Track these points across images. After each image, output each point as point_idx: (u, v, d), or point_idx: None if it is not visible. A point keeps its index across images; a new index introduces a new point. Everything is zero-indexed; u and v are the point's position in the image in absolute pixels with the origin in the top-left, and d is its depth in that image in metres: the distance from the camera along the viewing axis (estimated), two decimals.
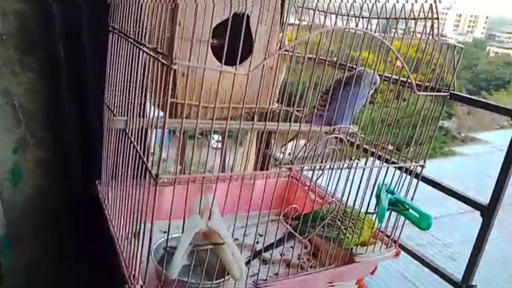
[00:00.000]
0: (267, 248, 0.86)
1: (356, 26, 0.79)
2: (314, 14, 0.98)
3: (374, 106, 0.90)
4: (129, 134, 0.74)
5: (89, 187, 1.02)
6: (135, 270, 0.73)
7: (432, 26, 0.78)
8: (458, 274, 1.03)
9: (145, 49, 0.65)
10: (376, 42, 0.78)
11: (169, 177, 0.63)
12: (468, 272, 0.90)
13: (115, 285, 0.77)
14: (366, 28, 0.81)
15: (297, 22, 1.10)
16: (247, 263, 0.82)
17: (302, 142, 0.83)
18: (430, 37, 0.80)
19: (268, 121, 1.10)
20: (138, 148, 0.68)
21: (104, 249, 0.88)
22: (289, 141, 0.91)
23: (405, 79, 0.85)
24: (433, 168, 0.99)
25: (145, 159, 0.64)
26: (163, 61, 0.56)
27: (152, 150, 0.98)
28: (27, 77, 0.99)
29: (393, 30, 0.81)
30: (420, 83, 0.85)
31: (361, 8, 0.84)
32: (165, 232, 1.01)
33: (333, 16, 0.94)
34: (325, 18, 0.95)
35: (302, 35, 0.73)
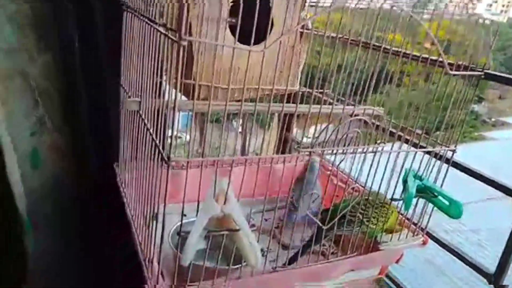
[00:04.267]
0: (303, 250, 0.83)
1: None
2: None
3: (400, 88, 0.85)
4: (143, 115, 0.71)
5: (107, 170, 1.02)
6: (151, 254, 0.71)
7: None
8: (486, 261, 0.97)
9: (155, 26, 0.61)
10: (404, 20, 0.73)
11: (180, 160, 0.60)
12: (502, 264, 0.85)
13: (135, 270, 0.76)
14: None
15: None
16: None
17: (324, 126, 0.79)
18: (464, 13, 0.74)
19: (290, 103, 1.06)
20: (152, 130, 0.66)
21: (125, 233, 0.88)
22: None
23: (435, 58, 0.79)
24: (462, 152, 0.94)
25: (157, 141, 0.62)
26: (172, 37, 0.53)
27: (170, 133, 0.96)
28: (43, 59, 0.98)
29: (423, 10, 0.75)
30: (452, 62, 0.79)
31: None
32: (184, 215, 1.01)
33: None
34: None
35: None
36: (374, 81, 0.79)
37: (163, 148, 0.59)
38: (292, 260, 0.80)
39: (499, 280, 0.90)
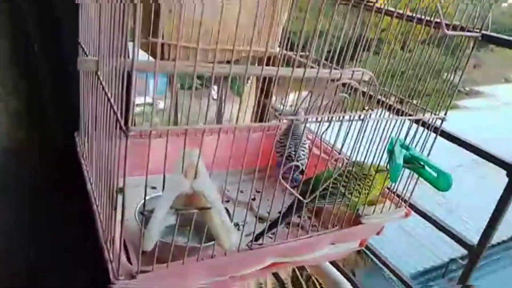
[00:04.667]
0: (274, 223, 0.77)
1: None
2: None
3: (388, 50, 0.78)
4: (101, 77, 0.62)
5: (70, 140, 0.92)
6: (114, 233, 0.64)
7: None
8: (457, 225, 0.96)
9: None
10: None
11: (139, 129, 0.52)
12: (485, 236, 0.82)
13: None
14: None
15: None
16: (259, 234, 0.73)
17: (306, 93, 0.71)
18: None
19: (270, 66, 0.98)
20: (110, 94, 0.57)
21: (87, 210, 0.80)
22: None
23: (429, 18, 0.71)
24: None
25: (115, 108, 0.53)
26: None
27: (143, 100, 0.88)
28: None
29: None
30: (449, 23, 0.71)
31: None
32: (154, 188, 0.93)
33: None
34: None
35: None
36: (364, 43, 0.72)
37: (121, 115, 0.51)
38: (259, 236, 0.74)
39: (480, 252, 0.88)
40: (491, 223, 0.81)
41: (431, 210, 0.98)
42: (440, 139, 0.84)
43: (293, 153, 0.91)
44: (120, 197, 0.57)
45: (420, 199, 1.00)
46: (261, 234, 0.74)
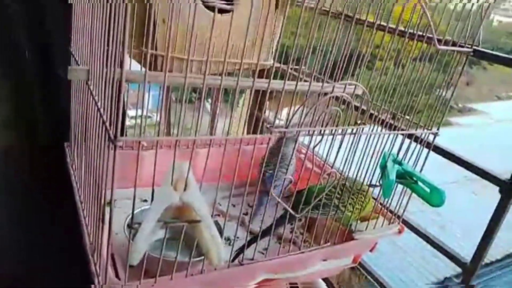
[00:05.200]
0: (265, 232, 0.75)
1: None
2: None
3: (383, 67, 0.78)
4: (92, 87, 0.61)
5: (58, 150, 0.91)
6: (101, 246, 0.62)
7: None
8: (449, 242, 0.95)
9: None
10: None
11: (128, 139, 0.51)
12: (478, 254, 0.81)
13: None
14: None
15: None
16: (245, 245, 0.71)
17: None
18: None
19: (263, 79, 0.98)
20: (100, 104, 0.56)
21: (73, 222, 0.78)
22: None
23: (421, 33, 0.72)
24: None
25: (104, 118, 0.52)
26: None
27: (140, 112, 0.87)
28: None
29: None
30: (440, 38, 0.72)
31: None
32: (145, 200, 0.91)
33: None
34: None
35: None
36: (357, 58, 0.72)
37: (110, 125, 0.50)
38: (239, 253, 0.72)
39: (474, 270, 0.87)
40: (484, 240, 0.80)
41: (424, 227, 0.97)
42: (433, 155, 0.84)
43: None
44: (108, 210, 0.56)
45: (413, 215, 1.00)
46: (249, 244, 0.72)
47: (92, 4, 0.61)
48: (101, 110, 0.55)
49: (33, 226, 1.04)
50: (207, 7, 0.81)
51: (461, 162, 0.82)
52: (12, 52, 0.90)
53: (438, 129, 0.79)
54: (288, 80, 0.66)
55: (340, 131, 0.67)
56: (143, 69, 0.86)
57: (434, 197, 0.74)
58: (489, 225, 0.79)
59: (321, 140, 0.67)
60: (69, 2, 0.73)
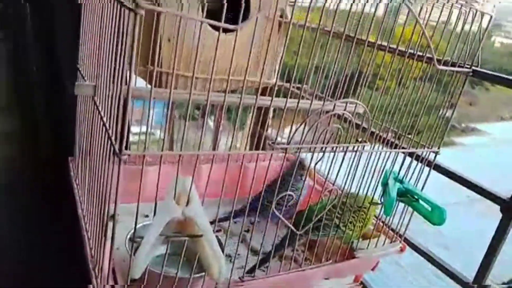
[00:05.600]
0: (267, 256, 0.76)
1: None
2: None
3: (383, 87, 0.79)
4: (98, 102, 0.62)
5: (62, 163, 0.91)
6: (102, 261, 0.62)
7: None
8: (452, 263, 0.94)
9: None
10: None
11: (133, 153, 0.52)
12: (481, 273, 0.80)
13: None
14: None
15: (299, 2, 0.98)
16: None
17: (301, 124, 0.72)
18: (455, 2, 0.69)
19: (266, 96, 1.00)
20: (105, 119, 0.57)
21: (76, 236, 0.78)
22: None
23: (421, 54, 0.73)
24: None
25: (110, 132, 0.53)
26: (127, 5, 0.44)
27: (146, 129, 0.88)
28: None
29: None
30: (440, 58, 0.73)
31: None
32: (146, 216, 0.91)
33: None
34: None
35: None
36: (359, 78, 0.73)
37: (115, 139, 0.51)
38: (251, 271, 0.73)
39: None
40: (487, 259, 0.79)
41: (426, 247, 0.96)
42: (436, 176, 0.84)
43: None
44: (111, 224, 0.56)
45: (415, 235, 0.99)
46: (253, 269, 0.73)
47: (100, 21, 0.63)
48: (107, 124, 0.56)
49: (33, 227, 1.04)
50: (212, 26, 0.83)
51: (463, 181, 0.82)
52: (22, 67, 0.92)
53: (439, 148, 0.80)
54: (291, 98, 0.68)
55: (341, 148, 0.67)
56: (148, 85, 0.88)
57: (435, 216, 0.74)
58: (491, 244, 0.78)
59: (322, 157, 0.68)
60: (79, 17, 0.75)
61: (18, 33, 0.91)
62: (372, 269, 0.90)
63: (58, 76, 0.97)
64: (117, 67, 0.54)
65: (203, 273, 0.64)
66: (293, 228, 0.72)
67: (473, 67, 0.75)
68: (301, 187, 0.85)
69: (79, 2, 0.76)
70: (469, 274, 0.91)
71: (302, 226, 0.74)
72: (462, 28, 0.71)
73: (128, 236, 0.75)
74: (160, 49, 0.82)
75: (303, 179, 0.84)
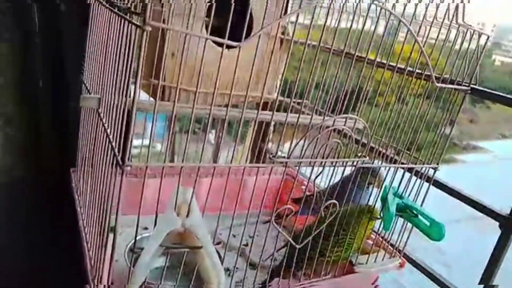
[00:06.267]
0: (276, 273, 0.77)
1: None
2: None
3: (383, 103, 0.80)
4: (102, 114, 0.64)
5: (64, 175, 0.92)
6: (101, 271, 0.63)
7: (456, 8, 0.68)
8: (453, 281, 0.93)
9: (118, 11, 0.54)
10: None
11: (135, 164, 0.53)
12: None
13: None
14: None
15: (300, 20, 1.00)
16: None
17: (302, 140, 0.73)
18: (453, 22, 0.70)
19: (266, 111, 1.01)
20: (109, 131, 0.58)
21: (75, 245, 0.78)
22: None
23: (420, 71, 0.75)
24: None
25: (113, 143, 0.54)
26: (135, 22, 0.46)
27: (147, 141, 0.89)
28: None
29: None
30: (438, 76, 0.75)
31: None
32: (146, 228, 0.92)
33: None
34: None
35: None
36: (359, 94, 0.74)
37: (119, 151, 0.52)
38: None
39: None
40: (486, 275, 0.79)
41: (428, 264, 0.96)
42: (437, 192, 0.84)
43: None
44: (111, 236, 0.57)
45: (417, 253, 0.99)
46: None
47: (107, 36, 0.65)
48: (110, 136, 0.57)
49: (33, 227, 1.04)
50: (214, 42, 0.85)
51: (462, 197, 0.82)
52: (29, 83, 0.94)
53: (438, 164, 0.80)
54: (291, 113, 0.69)
55: (340, 162, 0.68)
56: (151, 99, 0.89)
57: (434, 231, 0.74)
58: (490, 261, 0.78)
59: (322, 171, 0.69)
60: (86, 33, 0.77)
61: (24, 35, 0.92)
62: (373, 284, 0.89)
63: (63, 88, 0.99)
64: (122, 80, 0.56)
65: (202, 287, 0.64)
66: (292, 241, 0.72)
67: (472, 85, 0.76)
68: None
69: (88, 1, 0.77)
70: None
71: (300, 241, 0.74)
72: (460, 47, 0.73)
73: (128, 247, 0.75)
74: (164, 63, 0.84)
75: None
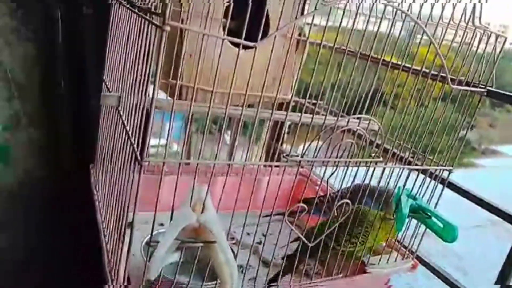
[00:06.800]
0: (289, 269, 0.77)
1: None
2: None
3: (397, 104, 0.80)
4: (122, 112, 0.66)
5: (84, 171, 0.95)
6: (118, 264, 0.65)
7: (473, 10, 0.68)
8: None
9: (138, 11, 0.56)
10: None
11: (153, 160, 0.54)
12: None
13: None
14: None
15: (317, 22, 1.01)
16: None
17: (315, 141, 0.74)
18: (470, 24, 0.70)
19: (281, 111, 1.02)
20: (128, 128, 0.60)
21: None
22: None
23: (436, 73, 0.75)
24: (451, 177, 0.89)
25: (132, 140, 0.56)
26: (154, 22, 0.48)
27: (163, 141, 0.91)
28: (22, 48, 0.92)
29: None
30: (454, 77, 0.75)
31: None
32: (161, 224, 0.94)
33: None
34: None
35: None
36: (373, 96, 0.75)
37: (137, 147, 0.53)
38: (272, 281, 0.74)
39: None
40: (502, 280, 0.79)
41: (445, 269, 0.95)
42: (455, 198, 0.83)
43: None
44: (128, 231, 0.59)
45: (434, 258, 0.98)
46: (274, 279, 0.74)
47: (127, 36, 0.67)
48: (130, 133, 0.59)
49: (53, 225, 1.07)
50: (231, 42, 0.87)
51: (480, 201, 0.81)
52: (52, 82, 0.97)
53: (452, 166, 0.80)
54: (306, 113, 0.70)
55: (354, 162, 0.69)
56: (169, 98, 0.91)
57: (447, 233, 0.74)
58: (505, 264, 0.78)
59: (335, 170, 0.69)
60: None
61: (48, 35, 0.95)
62: (386, 283, 0.89)
63: (84, 87, 1.02)
64: (142, 79, 0.58)
65: (215, 282, 0.65)
66: (304, 239, 0.73)
67: (488, 87, 0.75)
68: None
69: (109, 2, 0.80)
70: None
71: (313, 238, 0.75)
72: (477, 49, 0.73)
73: (144, 242, 0.77)
74: (182, 64, 0.86)
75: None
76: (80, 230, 1.01)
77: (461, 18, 0.69)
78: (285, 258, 0.77)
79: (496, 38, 0.72)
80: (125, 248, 0.58)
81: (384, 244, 0.86)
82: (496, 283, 0.79)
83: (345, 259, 0.79)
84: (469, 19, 0.69)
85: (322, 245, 0.76)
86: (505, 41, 0.72)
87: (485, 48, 0.72)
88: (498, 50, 0.73)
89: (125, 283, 0.59)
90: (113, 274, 0.63)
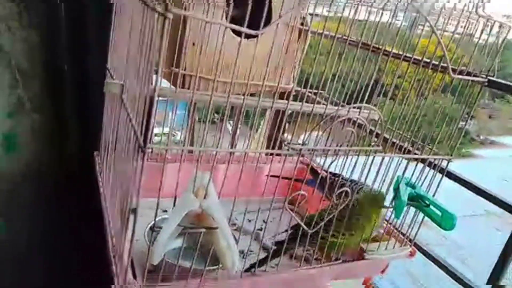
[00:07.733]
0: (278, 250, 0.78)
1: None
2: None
3: (398, 94, 0.81)
4: (125, 100, 0.66)
5: (88, 158, 0.96)
6: (122, 249, 0.66)
7: None
8: (468, 276, 0.94)
9: None
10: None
11: (156, 147, 0.55)
12: (492, 282, 0.81)
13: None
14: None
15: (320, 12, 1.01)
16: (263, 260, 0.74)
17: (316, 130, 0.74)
18: (473, 13, 0.70)
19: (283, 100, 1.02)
20: (132, 115, 0.61)
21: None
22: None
23: (437, 63, 0.75)
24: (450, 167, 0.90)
25: (136, 127, 0.57)
26: (157, 8, 0.48)
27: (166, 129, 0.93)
28: (26, 34, 0.92)
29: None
30: (455, 67, 0.75)
31: None
32: (165, 211, 0.95)
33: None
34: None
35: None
36: (374, 86, 0.75)
37: (140, 134, 0.54)
38: (261, 263, 0.75)
39: None
40: (498, 269, 0.80)
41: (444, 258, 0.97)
42: (453, 188, 0.84)
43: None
44: (132, 216, 0.60)
45: (434, 248, 1.00)
46: (264, 261, 0.75)
47: (130, 23, 0.67)
48: (133, 121, 0.60)
49: (59, 212, 1.08)
50: (234, 31, 0.87)
51: (479, 191, 0.83)
52: (55, 68, 0.98)
53: (451, 155, 0.81)
54: (307, 103, 0.71)
55: (354, 151, 0.70)
56: (172, 86, 0.92)
57: (445, 221, 0.75)
58: (503, 252, 0.79)
59: (335, 159, 0.70)
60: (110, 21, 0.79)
61: (51, 21, 0.95)
62: (382, 272, 0.91)
63: (88, 75, 1.03)
64: (145, 67, 0.58)
65: (217, 266, 0.67)
66: (304, 226, 0.75)
67: (489, 77, 0.76)
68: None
69: (111, 1, 0.80)
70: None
71: (313, 226, 0.76)
72: (479, 38, 0.73)
73: (148, 227, 0.79)
74: (184, 52, 0.86)
75: None
76: (84, 220, 1.02)
77: (464, 7, 0.70)
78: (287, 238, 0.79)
79: (500, 27, 0.72)
80: (129, 234, 0.60)
81: (382, 231, 0.87)
82: (490, 276, 0.81)
83: (338, 245, 0.80)
84: (472, 8, 0.69)
85: (321, 232, 0.77)
86: (509, 30, 0.72)
87: (488, 37, 0.73)
88: (501, 39, 0.73)
89: (130, 269, 0.60)
90: (117, 259, 0.65)
